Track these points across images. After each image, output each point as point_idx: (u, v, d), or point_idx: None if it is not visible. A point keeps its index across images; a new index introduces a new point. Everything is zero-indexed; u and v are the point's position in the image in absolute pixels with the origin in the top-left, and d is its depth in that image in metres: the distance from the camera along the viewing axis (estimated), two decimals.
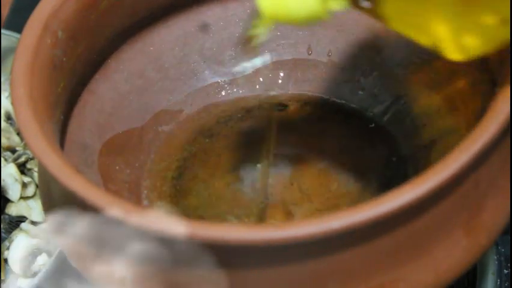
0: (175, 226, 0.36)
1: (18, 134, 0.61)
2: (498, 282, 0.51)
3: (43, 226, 0.56)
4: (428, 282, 0.39)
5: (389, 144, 0.51)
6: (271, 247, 0.36)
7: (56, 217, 0.40)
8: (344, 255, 0.37)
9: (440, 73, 0.51)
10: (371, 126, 0.53)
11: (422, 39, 0.40)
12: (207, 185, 0.51)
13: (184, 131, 0.54)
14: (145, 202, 0.50)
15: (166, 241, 0.37)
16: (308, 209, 0.49)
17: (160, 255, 0.37)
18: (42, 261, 0.54)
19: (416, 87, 0.52)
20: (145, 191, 0.51)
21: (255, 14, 0.41)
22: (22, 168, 0.59)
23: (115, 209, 0.37)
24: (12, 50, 0.62)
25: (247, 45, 0.53)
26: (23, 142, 0.60)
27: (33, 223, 0.56)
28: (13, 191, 0.57)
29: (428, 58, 0.51)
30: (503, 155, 0.41)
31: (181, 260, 0.37)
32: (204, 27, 0.55)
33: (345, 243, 0.37)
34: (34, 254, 0.54)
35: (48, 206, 0.44)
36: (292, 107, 0.55)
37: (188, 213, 0.50)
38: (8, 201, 0.58)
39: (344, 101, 0.54)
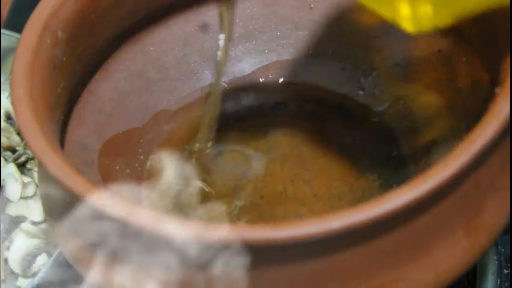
0: (175, 227, 0.36)
1: (18, 134, 0.61)
2: (498, 282, 0.51)
3: (43, 226, 0.56)
4: (428, 282, 0.39)
5: (389, 144, 0.51)
6: (271, 247, 0.36)
7: (60, 219, 0.40)
8: (344, 255, 0.37)
9: (440, 73, 0.51)
10: (371, 126, 0.53)
11: (384, 12, 0.40)
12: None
13: (184, 130, 0.54)
14: (145, 202, 0.50)
15: (165, 241, 0.37)
16: (308, 208, 0.49)
17: (166, 258, 0.37)
18: (42, 261, 0.54)
19: (416, 87, 0.52)
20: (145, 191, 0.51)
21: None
22: (22, 168, 0.59)
23: (116, 209, 0.37)
24: (12, 50, 0.62)
25: None
26: (23, 142, 0.60)
27: (33, 223, 0.56)
28: (13, 191, 0.57)
29: (428, 58, 0.51)
30: (503, 155, 0.41)
31: (181, 260, 0.37)
32: (204, 27, 0.55)
33: (345, 243, 0.37)
34: (34, 254, 0.54)
35: (48, 206, 0.44)
36: (292, 106, 0.55)
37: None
38: (8, 201, 0.58)
39: (344, 101, 0.54)
